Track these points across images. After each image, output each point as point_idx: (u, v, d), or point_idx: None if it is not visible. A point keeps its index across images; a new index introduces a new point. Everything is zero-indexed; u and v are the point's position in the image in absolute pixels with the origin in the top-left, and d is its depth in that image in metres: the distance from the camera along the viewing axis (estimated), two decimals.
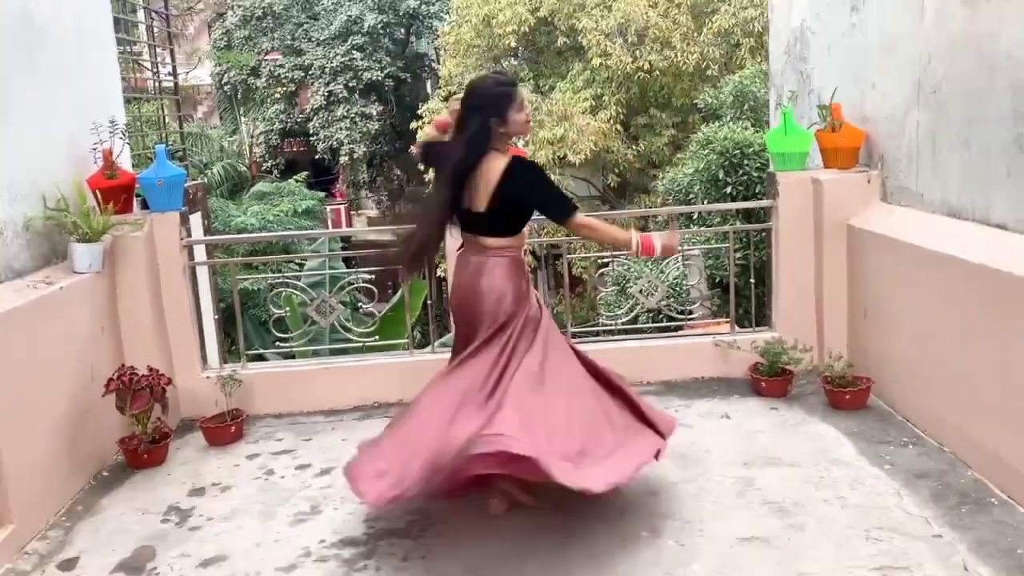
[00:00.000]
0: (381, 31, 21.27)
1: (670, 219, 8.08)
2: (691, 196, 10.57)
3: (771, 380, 4.32)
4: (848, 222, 4.33)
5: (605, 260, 5.37)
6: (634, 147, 14.63)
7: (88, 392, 3.77)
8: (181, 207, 4.45)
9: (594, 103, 14.21)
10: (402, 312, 7.02)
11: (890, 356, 4.06)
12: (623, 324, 5.03)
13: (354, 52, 20.95)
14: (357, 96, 21.13)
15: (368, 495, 3.04)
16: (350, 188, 23.17)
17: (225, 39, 22.39)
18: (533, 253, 9.53)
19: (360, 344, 4.90)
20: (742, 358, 4.51)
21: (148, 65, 6.38)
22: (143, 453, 3.89)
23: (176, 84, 6.89)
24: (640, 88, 14.55)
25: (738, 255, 6.32)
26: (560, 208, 3.21)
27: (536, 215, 3.35)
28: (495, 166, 3.13)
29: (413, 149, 3.58)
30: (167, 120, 6.61)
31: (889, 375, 4.06)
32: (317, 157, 22.13)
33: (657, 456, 3.15)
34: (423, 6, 21.54)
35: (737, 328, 4.88)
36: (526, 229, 3.36)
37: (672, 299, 5.20)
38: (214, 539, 3.24)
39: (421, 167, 11.14)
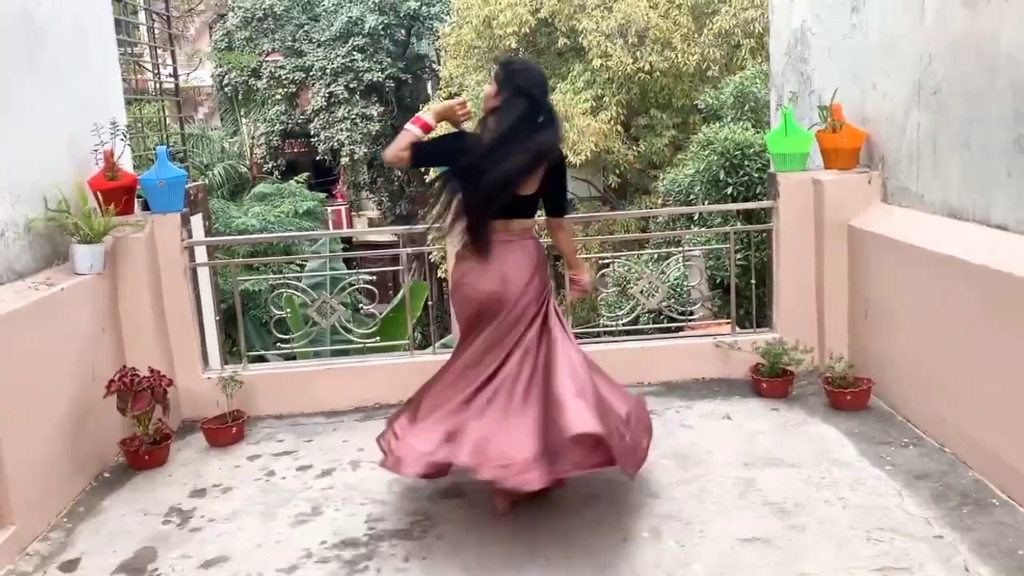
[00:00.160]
0: (382, 32, 21.31)
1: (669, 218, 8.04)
2: (692, 197, 10.57)
3: (772, 381, 4.32)
4: (849, 223, 4.33)
5: (606, 261, 5.37)
6: (635, 148, 14.62)
7: (89, 393, 3.78)
8: (182, 208, 4.45)
9: (595, 104, 14.20)
10: (403, 313, 7.04)
11: (891, 357, 4.06)
12: (624, 325, 5.03)
13: (355, 53, 20.99)
14: (358, 97, 21.18)
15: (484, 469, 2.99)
16: (351, 189, 23.21)
17: (226, 40, 22.44)
18: None
19: (361, 345, 4.90)
20: (743, 359, 4.51)
21: (149, 66, 6.37)
22: (144, 454, 3.90)
23: (177, 85, 6.88)
24: (641, 89, 14.54)
25: (739, 256, 6.31)
26: (565, 202, 3.42)
27: None
28: None
29: (389, 154, 3.24)
30: (168, 121, 6.60)
31: (890, 376, 4.06)
32: (318, 158, 22.18)
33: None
34: (424, 7, 21.58)
35: (738, 329, 4.89)
36: None
37: (673, 300, 5.21)
38: (215, 540, 3.25)
39: (421, 168, 11.04)
